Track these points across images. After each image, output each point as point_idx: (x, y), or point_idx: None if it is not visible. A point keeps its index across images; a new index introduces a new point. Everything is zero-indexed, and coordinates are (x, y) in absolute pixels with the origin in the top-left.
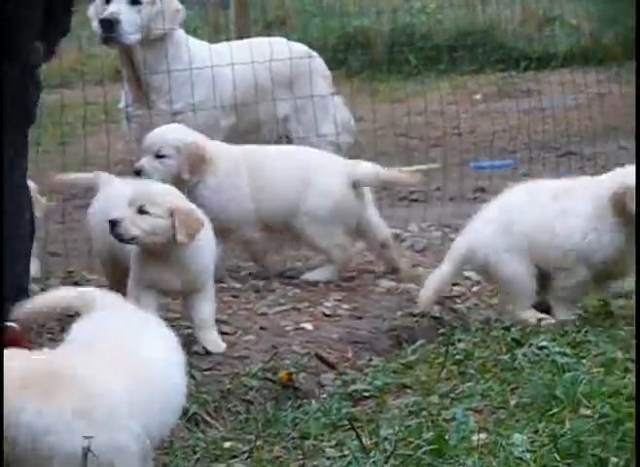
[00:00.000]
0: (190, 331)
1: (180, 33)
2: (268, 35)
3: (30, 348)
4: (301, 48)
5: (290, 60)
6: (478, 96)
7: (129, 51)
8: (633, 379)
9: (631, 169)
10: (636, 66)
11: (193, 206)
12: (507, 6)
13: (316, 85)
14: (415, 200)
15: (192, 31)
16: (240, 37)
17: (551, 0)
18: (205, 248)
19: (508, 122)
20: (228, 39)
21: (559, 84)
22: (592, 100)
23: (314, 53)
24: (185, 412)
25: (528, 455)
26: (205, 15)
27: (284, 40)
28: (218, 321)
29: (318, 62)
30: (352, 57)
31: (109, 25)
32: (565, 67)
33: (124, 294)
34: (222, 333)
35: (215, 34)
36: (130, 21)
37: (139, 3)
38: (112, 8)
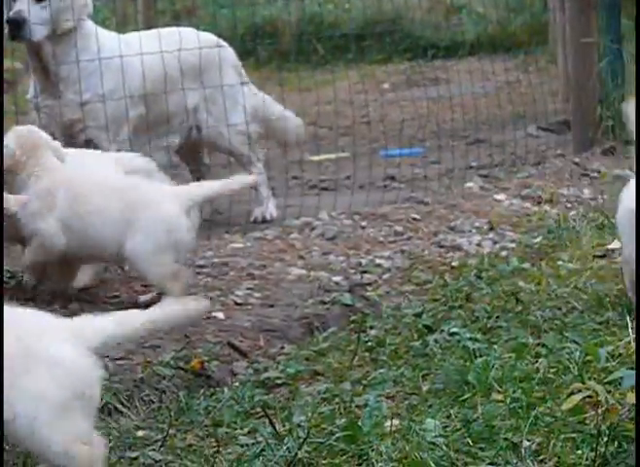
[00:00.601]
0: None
1: (89, 24)
2: (177, 26)
3: None
4: (210, 37)
5: (199, 50)
6: (386, 85)
7: (37, 45)
8: (545, 364)
9: None
10: (636, 63)
11: None
12: None
13: (226, 75)
14: (326, 189)
15: (100, 22)
16: (148, 28)
17: None
18: None
19: (416, 110)
20: (136, 30)
21: (467, 72)
22: (500, 88)
23: (223, 43)
24: None
25: (441, 440)
26: (113, 5)
27: (194, 30)
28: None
29: (228, 52)
30: (261, 47)
31: (16, 24)
32: (473, 55)
33: None
34: None
35: (123, 25)
36: (37, 19)
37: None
38: (18, 6)
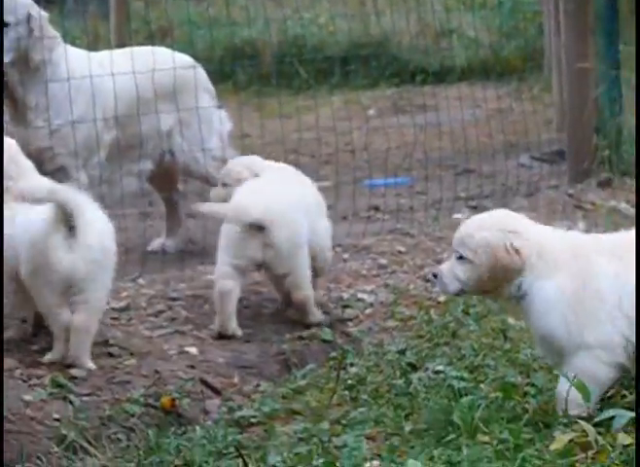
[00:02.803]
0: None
1: (59, 51)
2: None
3: None
4: (184, 58)
5: (173, 71)
6: (371, 111)
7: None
8: (534, 404)
9: None
10: (636, 73)
11: None
12: (402, 17)
13: (200, 98)
14: None
15: (71, 42)
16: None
17: (448, 11)
18: None
19: (403, 138)
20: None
21: (457, 99)
22: (491, 116)
23: (197, 65)
24: (62, 439)
25: None
26: (84, 25)
27: (168, 50)
28: (98, 343)
29: (201, 74)
30: (240, 70)
31: None
32: (463, 81)
33: None
34: (102, 356)
35: (95, 45)
36: None
37: (6, 25)
38: None
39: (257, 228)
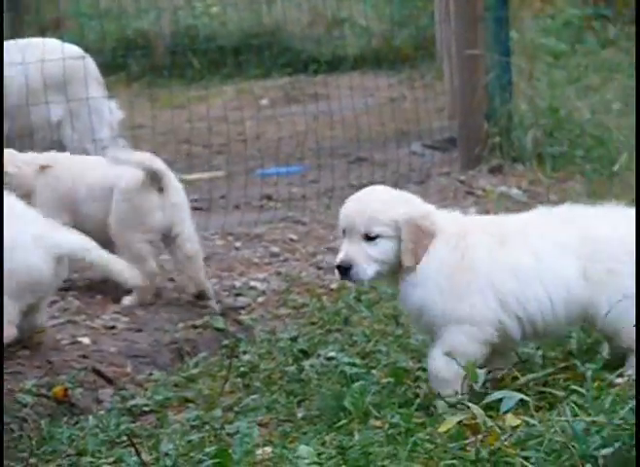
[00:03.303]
0: None
1: None
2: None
3: None
4: (73, 49)
5: (62, 62)
6: (264, 101)
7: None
8: (426, 389)
9: None
10: (636, 65)
11: None
12: (293, 7)
13: (90, 88)
14: (199, 209)
15: None
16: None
17: (340, 0)
18: None
19: (295, 127)
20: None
21: (349, 87)
22: (384, 105)
23: (86, 56)
24: None
25: None
26: None
27: (57, 41)
28: None
29: (90, 65)
30: (132, 61)
31: None
32: (356, 70)
33: None
34: None
35: None
36: None
37: None
38: None
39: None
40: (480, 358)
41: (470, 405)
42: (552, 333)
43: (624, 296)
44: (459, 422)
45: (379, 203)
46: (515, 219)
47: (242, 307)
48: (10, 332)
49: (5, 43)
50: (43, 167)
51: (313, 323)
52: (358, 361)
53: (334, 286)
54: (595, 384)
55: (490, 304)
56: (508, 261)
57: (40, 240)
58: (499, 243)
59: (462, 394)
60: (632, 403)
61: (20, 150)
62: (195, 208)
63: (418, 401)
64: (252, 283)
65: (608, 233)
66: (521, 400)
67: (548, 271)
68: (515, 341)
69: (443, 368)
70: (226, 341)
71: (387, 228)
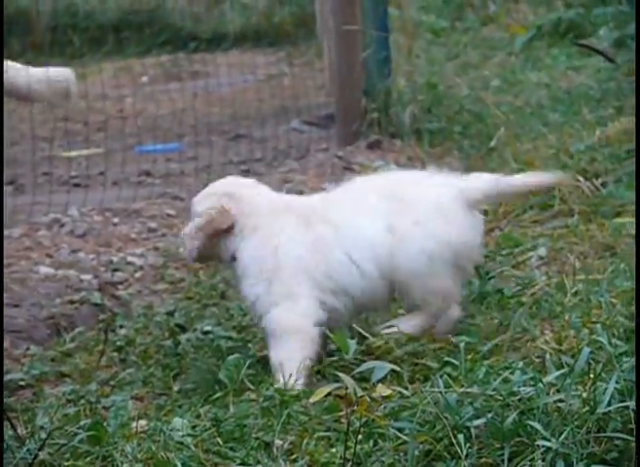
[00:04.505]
0: None
1: None
2: None
3: None
4: None
5: None
6: (144, 79)
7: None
8: None
9: None
10: (636, 61)
11: None
12: None
13: None
14: (77, 185)
15: None
16: None
17: None
18: None
19: (174, 105)
20: None
21: (229, 65)
22: (263, 82)
23: None
24: None
25: (189, 440)
26: None
27: None
28: None
29: None
30: (12, 39)
31: None
32: (236, 48)
33: None
34: None
35: None
36: None
37: None
38: None
39: None
40: (314, 339)
41: (341, 375)
42: (379, 301)
43: (422, 250)
44: (330, 393)
45: (201, 194)
46: (323, 195)
47: (120, 283)
48: None
49: None
50: None
51: (190, 298)
52: (234, 335)
53: None
54: (470, 357)
55: (305, 284)
56: (311, 240)
57: None
58: (305, 224)
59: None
60: (504, 373)
61: None
62: (73, 185)
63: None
64: (129, 258)
65: (415, 191)
66: (395, 372)
67: (348, 236)
68: (343, 318)
69: (283, 360)
70: (102, 316)
71: (196, 217)
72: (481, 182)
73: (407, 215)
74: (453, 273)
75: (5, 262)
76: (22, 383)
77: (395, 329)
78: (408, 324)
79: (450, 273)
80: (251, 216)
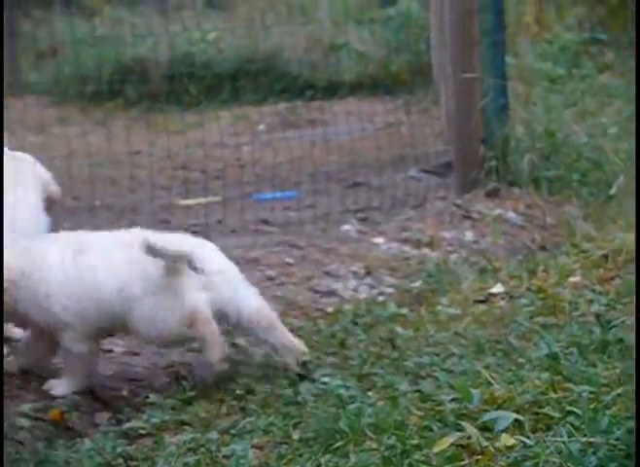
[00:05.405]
0: None
1: None
2: (38, 66)
3: None
4: None
5: None
6: (261, 127)
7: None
8: (419, 413)
9: None
10: (636, 69)
11: None
12: (290, 34)
13: None
14: (196, 233)
15: None
16: (11, 69)
17: (337, 26)
18: None
19: (292, 153)
20: None
21: (346, 113)
22: (380, 130)
23: None
24: None
25: None
26: None
27: None
28: None
29: None
30: (129, 88)
31: None
32: (353, 96)
33: None
34: None
35: None
36: None
37: None
38: None
39: None
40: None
41: (464, 424)
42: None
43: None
44: (452, 443)
45: None
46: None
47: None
48: None
49: None
50: None
51: (309, 346)
52: (354, 383)
53: (330, 310)
54: (592, 406)
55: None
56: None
57: None
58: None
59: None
60: (629, 423)
61: None
62: (192, 233)
63: (414, 422)
64: None
65: None
66: (517, 421)
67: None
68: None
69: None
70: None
71: None
72: None
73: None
74: None
75: None
76: (143, 432)
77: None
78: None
79: None
80: None
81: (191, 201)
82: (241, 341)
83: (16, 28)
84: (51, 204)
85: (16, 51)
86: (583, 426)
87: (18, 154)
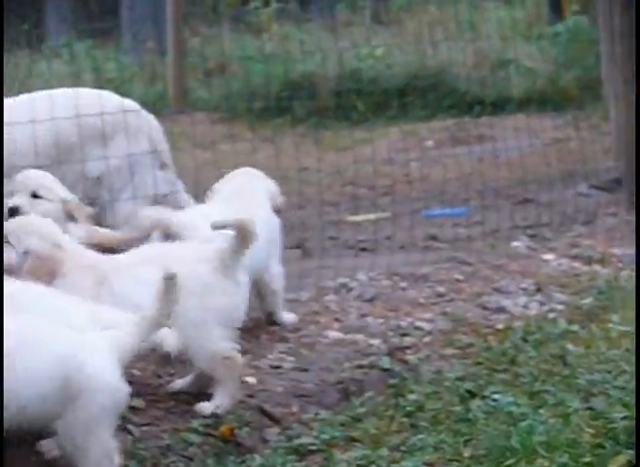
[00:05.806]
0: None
1: None
2: (207, 83)
3: None
4: (115, 100)
5: (102, 115)
6: (429, 143)
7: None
8: (591, 430)
9: None
10: (636, 60)
11: None
12: (458, 49)
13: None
14: (364, 250)
15: (128, 79)
16: (179, 86)
17: (505, 42)
18: None
19: (461, 169)
20: (165, 87)
21: (514, 129)
22: (549, 146)
23: (137, 107)
24: None
25: None
26: (140, 60)
27: (95, 91)
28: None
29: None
30: (297, 104)
31: None
32: (521, 112)
33: None
34: (160, 386)
35: (151, 82)
36: None
37: None
38: None
39: None
40: None
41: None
42: None
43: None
44: (626, 461)
45: None
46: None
47: (408, 347)
48: None
49: (33, 94)
50: None
51: (479, 363)
52: (525, 401)
53: (500, 326)
54: None
55: None
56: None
57: None
58: None
59: None
60: None
61: None
62: (360, 249)
63: (586, 440)
64: (418, 323)
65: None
66: None
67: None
68: None
69: None
70: (392, 381)
71: None
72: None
73: None
74: None
75: (294, 326)
76: (312, 448)
77: None
78: None
79: None
80: None
81: (359, 218)
82: (411, 357)
83: (185, 46)
84: (277, 213)
85: (185, 68)
86: None
87: (248, 169)
